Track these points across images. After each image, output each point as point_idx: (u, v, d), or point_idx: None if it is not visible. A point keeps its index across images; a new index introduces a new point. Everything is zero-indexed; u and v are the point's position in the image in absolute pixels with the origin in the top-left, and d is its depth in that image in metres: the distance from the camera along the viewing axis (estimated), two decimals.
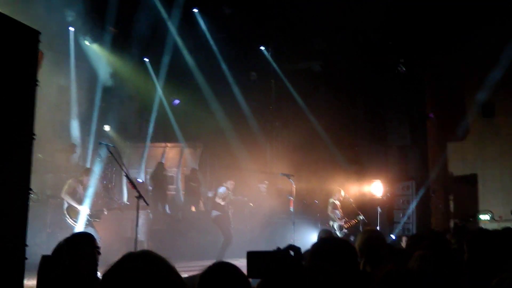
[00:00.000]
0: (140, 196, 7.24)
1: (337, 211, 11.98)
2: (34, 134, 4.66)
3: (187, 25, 14.03)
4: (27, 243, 4.42)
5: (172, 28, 14.03)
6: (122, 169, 7.65)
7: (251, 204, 14.07)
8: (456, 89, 13.66)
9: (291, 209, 11.02)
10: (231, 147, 15.13)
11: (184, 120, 15.46)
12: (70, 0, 11.73)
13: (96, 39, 13.40)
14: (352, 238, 9.99)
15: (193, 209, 14.10)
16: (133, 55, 13.84)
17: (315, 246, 3.10)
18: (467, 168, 14.17)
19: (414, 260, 3.24)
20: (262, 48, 15.37)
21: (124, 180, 12.37)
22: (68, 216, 8.78)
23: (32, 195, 4.78)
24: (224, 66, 15.20)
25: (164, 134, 15.60)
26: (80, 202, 8.84)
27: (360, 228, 11.64)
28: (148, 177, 14.85)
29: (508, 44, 11.88)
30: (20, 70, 4.63)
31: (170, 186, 15.03)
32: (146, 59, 15.13)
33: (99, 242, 4.50)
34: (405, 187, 14.20)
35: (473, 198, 13.74)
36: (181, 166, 15.86)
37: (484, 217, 13.08)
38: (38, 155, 10.60)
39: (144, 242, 11.61)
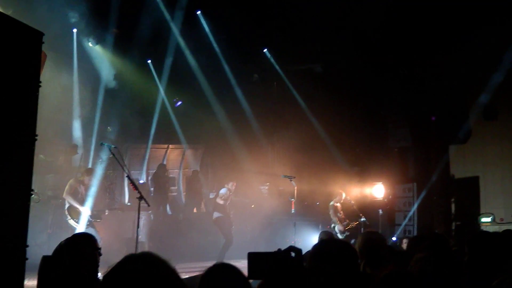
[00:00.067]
0: (141, 197, 7.25)
1: (338, 214, 11.99)
2: (36, 135, 4.67)
3: (190, 27, 14.05)
4: (28, 243, 4.42)
5: (175, 30, 14.05)
6: (124, 170, 7.66)
7: (252, 205, 14.07)
8: (457, 92, 13.63)
9: (293, 210, 11.02)
10: (232, 149, 15.13)
11: (186, 122, 15.46)
12: (73, 2, 11.75)
13: (99, 40, 13.43)
14: (352, 241, 9.99)
15: (195, 210, 14.11)
16: (136, 57, 13.85)
17: (315, 247, 3.10)
18: (468, 171, 14.14)
19: (414, 262, 3.24)
20: (265, 50, 15.39)
21: (126, 181, 12.37)
22: (69, 217, 8.79)
23: (33, 196, 4.79)
24: (226, 68, 15.23)
25: (166, 136, 15.60)
26: (81, 202, 8.85)
27: (362, 230, 11.65)
28: (150, 178, 14.86)
29: (510, 46, 11.86)
30: (23, 71, 4.64)
31: (172, 188, 15.04)
32: (148, 61, 15.14)
33: (100, 242, 4.51)
34: (407, 189, 14.19)
35: (475, 201, 13.72)
36: (183, 168, 15.86)
37: (486, 219, 13.06)
38: (40, 156, 10.63)
39: (145, 243, 11.62)
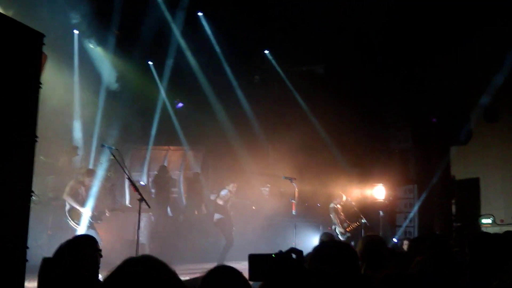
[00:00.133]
0: (142, 199, 7.25)
1: (339, 216, 11.99)
2: (36, 136, 4.67)
3: (191, 28, 14.06)
4: (28, 245, 4.42)
5: (176, 31, 14.06)
6: (125, 172, 7.65)
7: (253, 207, 14.07)
8: (458, 93, 13.63)
9: (293, 212, 11.01)
10: (233, 150, 15.13)
11: (187, 123, 15.47)
12: (74, 3, 11.76)
13: (101, 42, 13.44)
14: (353, 243, 9.98)
15: (196, 212, 14.11)
16: (137, 58, 13.86)
17: (316, 249, 3.10)
18: (469, 172, 14.14)
19: (415, 264, 3.24)
20: (266, 51, 15.40)
21: (127, 182, 12.37)
22: (70, 218, 8.78)
23: (33, 197, 4.79)
24: (227, 69, 15.24)
25: (167, 137, 15.61)
26: (82, 204, 8.84)
27: (362, 232, 11.64)
28: (151, 180, 14.86)
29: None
30: (23, 72, 4.64)
31: (172, 189, 15.04)
32: (150, 62, 15.15)
33: (101, 244, 4.50)
34: (407, 191, 14.20)
35: (475, 202, 13.71)
36: (184, 169, 15.87)
37: (486, 220, 13.05)
38: (40, 157, 10.64)
39: (145, 244, 11.62)
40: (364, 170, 14.88)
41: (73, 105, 13.19)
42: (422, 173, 14.45)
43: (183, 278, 1.90)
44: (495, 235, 4.05)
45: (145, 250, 11.12)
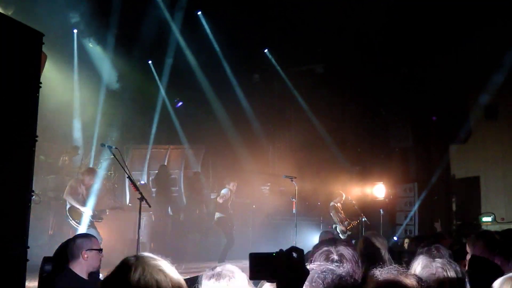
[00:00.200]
0: (142, 198, 7.25)
1: (339, 214, 12.00)
2: (36, 136, 4.66)
3: (190, 27, 14.05)
4: (29, 244, 4.42)
5: (176, 30, 14.04)
6: (125, 171, 7.65)
7: (253, 206, 14.07)
8: (458, 91, 13.64)
9: (294, 210, 11.01)
10: (233, 149, 15.13)
11: (187, 122, 15.47)
12: (73, 2, 11.75)
13: (100, 41, 13.42)
14: (353, 241, 9.98)
15: (197, 212, 14.11)
16: (137, 57, 13.85)
17: (316, 247, 3.09)
18: (469, 170, 14.15)
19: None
20: (266, 50, 15.40)
21: (127, 181, 12.36)
22: (70, 218, 8.76)
23: (34, 197, 4.79)
24: (227, 68, 15.22)
25: (167, 136, 15.61)
26: (82, 203, 8.83)
27: (363, 230, 11.66)
28: (151, 179, 14.85)
29: (511, 45, 11.85)
30: (23, 71, 4.63)
31: (173, 188, 15.03)
32: (149, 61, 15.15)
33: (101, 243, 4.51)
34: (408, 189, 14.20)
35: (476, 200, 13.72)
36: (184, 168, 15.86)
37: (486, 219, 13.06)
38: (40, 157, 10.63)
39: (146, 243, 11.62)
40: (364, 169, 14.90)
41: (73, 105, 13.18)
42: (422, 171, 14.46)
43: (184, 277, 1.89)
44: (496, 233, 4.05)
45: (146, 249, 11.12)
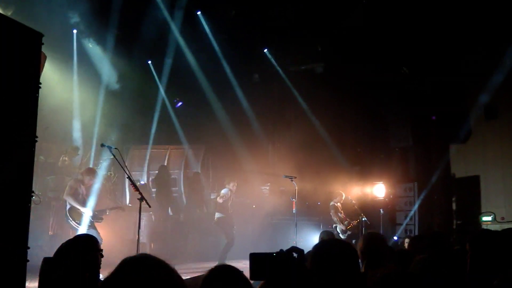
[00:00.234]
0: (142, 198, 7.24)
1: (339, 214, 12.01)
2: (36, 136, 4.66)
3: (190, 27, 14.04)
4: (29, 245, 4.42)
5: (175, 30, 14.03)
6: (125, 171, 7.64)
7: (253, 206, 14.08)
8: (458, 91, 13.63)
9: (294, 210, 11.01)
10: (233, 149, 15.13)
11: (187, 122, 15.47)
12: (73, 2, 11.74)
13: (100, 41, 13.42)
14: (353, 241, 9.99)
15: (198, 211, 14.12)
16: (136, 57, 13.85)
17: (316, 247, 3.09)
18: (469, 170, 14.14)
19: (415, 263, 3.24)
20: (266, 50, 15.40)
21: (127, 182, 12.36)
22: (70, 218, 8.76)
23: (34, 197, 4.78)
24: (227, 68, 15.21)
25: (166, 136, 15.60)
26: (82, 203, 8.82)
27: (363, 230, 11.67)
28: (151, 179, 14.86)
29: (511, 45, 11.85)
30: (23, 72, 4.63)
31: (173, 188, 15.04)
32: (149, 62, 15.14)
33: (102, 244, 4.51)
34: (407, 189, 14.20)
35: (475, 200, 13.72)
36: (184, 168, 15.87)
37: (486, 218, 13.06)
38: (40, 157, 10.63)
39: (146, 244, 11.62)
40: (364, 169, 14.90)
41: (72, 105, 13.17)
42: (422, 171, 14.46)
43: (184, 277, 1.89)
44: (496, 232, 4.04)
45: (146, 249, 11.12)
